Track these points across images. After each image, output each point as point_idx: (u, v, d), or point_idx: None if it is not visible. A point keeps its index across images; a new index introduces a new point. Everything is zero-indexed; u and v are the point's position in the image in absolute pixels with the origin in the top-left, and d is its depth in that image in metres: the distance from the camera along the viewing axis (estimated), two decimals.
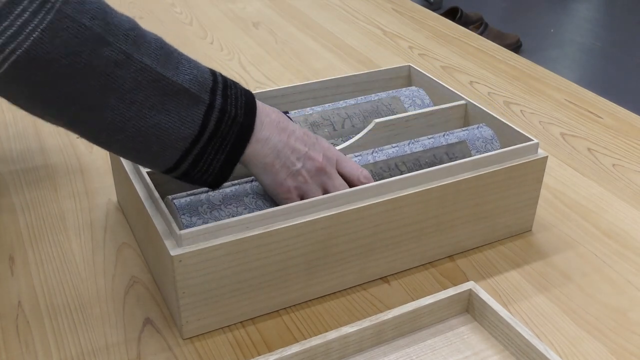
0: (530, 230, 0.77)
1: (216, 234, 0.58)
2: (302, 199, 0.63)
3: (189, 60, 0.57)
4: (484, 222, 0.73)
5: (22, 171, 0.87)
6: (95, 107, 0.52)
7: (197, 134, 0.56)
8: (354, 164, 0.67)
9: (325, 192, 0.64)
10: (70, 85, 0.50)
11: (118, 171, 0.75)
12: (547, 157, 0.73)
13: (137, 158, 0.57)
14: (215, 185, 0.60)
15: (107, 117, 0.52)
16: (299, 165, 0.62)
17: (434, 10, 1.79)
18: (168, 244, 0.58)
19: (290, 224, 0.61)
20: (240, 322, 0.64)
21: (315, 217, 0.61)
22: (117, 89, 0.52)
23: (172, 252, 0.57)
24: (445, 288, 0.68)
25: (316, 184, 0.63)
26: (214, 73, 0.58)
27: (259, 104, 0.61)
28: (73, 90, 0.50)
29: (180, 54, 0.57)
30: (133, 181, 0.67)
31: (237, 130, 0.58)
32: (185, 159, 0.57)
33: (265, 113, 0.61)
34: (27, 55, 0.47)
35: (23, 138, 0.94)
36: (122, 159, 0.71)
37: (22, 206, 0.80)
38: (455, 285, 0.65)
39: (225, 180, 0.60)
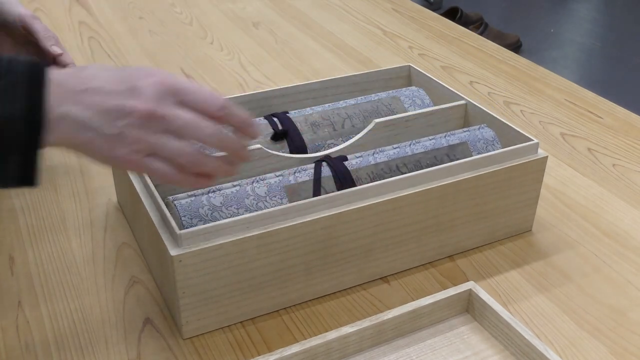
0: (530, 230, 0.77)
1: (216, 234, 0.58)
2: (156, 157, 0.51)
3: None
4: (484, 222, 0.73)
5: None
6: None
7: None
8: (203, 93, 0.52)
9: (179, 136, 0.51)
10: None
11: (118, 171, 0.75)
12: (547, 157, 0.73)
13: None
14: (28, 184, 0.49)
15: None
16: (119, 125, 0.49)
17: (434, 10, 1.79)
18: (168, 244, 0.58)
19: (290, 224, 0.61)
20: (240, 322, 0.64)
21: (315, 217, 0.61)
22: None
23: (172, 252, 0.57)
24: (445, 288, 0.68)
25: (154, 135, 0.50)
26: None
27: (49, 74, 0.48)
28: None
29: None
30: (133, 181, 0.67)
31: (23, 129, 0.46)
32: None
33: (56, 83, 0.48)
34: None
35: None
36: None
37: (22, 206, 0.80)
38: (455, 285, 0.65)
39: (36, 177, 0.49)
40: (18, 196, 0.82)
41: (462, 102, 0.82)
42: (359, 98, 0.83)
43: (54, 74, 0.48)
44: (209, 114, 0.52)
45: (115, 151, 0.49)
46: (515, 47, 2.83)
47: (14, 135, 0.46)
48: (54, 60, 0.79)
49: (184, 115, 0.51)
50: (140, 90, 0.50)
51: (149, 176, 0.59)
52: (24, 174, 0.48)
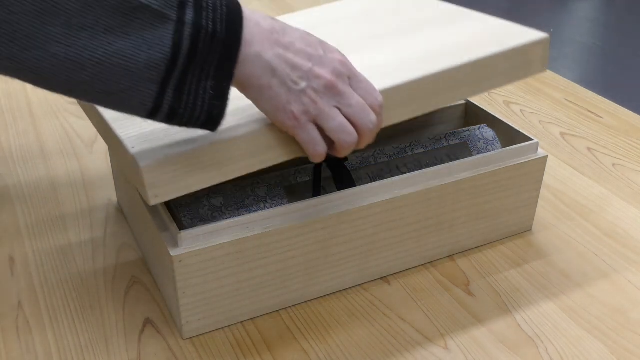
0: (531, 230, 0.77)
1: (216, 235, 0.58)
2: (316, 125, 0.54)
3: None
4: (484, 222, 0.73)
5: (22, 172, 0.87)
6: (36, 39, 0.43)
7: (170, 57, 0.47)
8: (369, 85, 0.56)
9: (343, 115, 0.54)
10: None
11: (118, 171, 0.75)
12: (547, 156, 0.73)
13: (112, 102, 0.48)
14: (212, 124, 0.51)
15: (56, 52, 0.44)
16: (303, 84, 0.52)
17: None
18: (168, 244, 0.58)
19: (290, 224, 0.61)
20: (241, 322, 0.64)
21: (315, 217, 0.61)
22: (59, 13, 0.43)
23: (172, 252, 0.57)
24: (445, 288, 0.68)
25: (329, 104, 0.53)
26: None
27: (246, 12, 0.50)
28: (3, 21, 0.42)
29: None
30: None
31: (219, 48, 0.48)
32: (164, 92, 0.48)
33: (254, 22, 0.50)
34: None
35: (23, 139, 0.94)
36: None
37: (22, 207, 0.80)
38: (455, 285, 0.65)
39: (221, 116, 0.51)
40: (18, 197, 0.82)
41: (462, 101, 0.82)
42: None
43: (248, 12, 0.51)
44: (369, 105, 0.55)
45: (290, 105, 0.52)
46: None
47: (212, 52, 0.48)
48: None
49: (356, 97, 0.54)
50: (326, 61, 0.53)
51: (300, 143, 0.55)
52: (213, 106, 0.49)
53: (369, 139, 0.56)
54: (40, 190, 0.83)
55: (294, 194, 0.68)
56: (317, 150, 0.55)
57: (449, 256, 0.73)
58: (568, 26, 3.24)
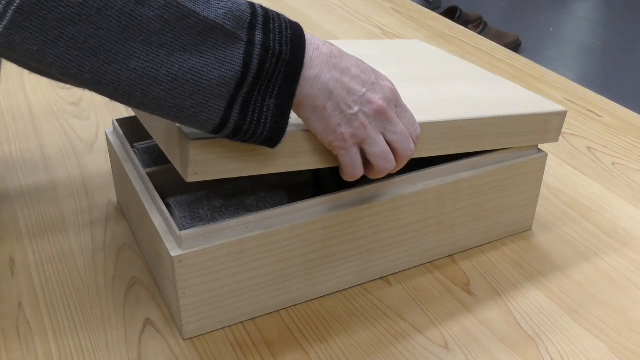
0: (531, 229, 0.77)
1: (216, 235, 0.58)
2: (360, 149, 0.57)
3: None
4: (484, 222, 0.73)
5: (22, 172, 0.87)
6: (118, 54, 0.46)
7: (240, 76, 0.49)
8: (411, 116, 0.59)
9: (386, 140, 0.57)
10: (86, 30, 0.44)
11: (118, 171, 0.75)
12: (546, 156, 0.73)
13: (181, 116, 0.50)
14: (273, 140, 0.53)
15: (135, 67, 0.46)
16: (355, 108, 0.54)
17: (433, 9, 1.79)
18: (168, 244, 0.58)
19: (290, 224, 0.61)
20: (241, 322, 0.64)
21: (315, 217, 0.61)
22: (141, 31, 0.46)
23: (173, 253, 0.57)
24: (445, 288, 0.68)
25: (376, 130, 0.56)
26: (252, 5, 0.51)
27: (307, 36, 0.53)
28: (89, 37, 0.44)
29: None
30: (133, 181, 0.67)
31: (283, 69, 0.51)
32: (232, 108, 0.50)
33: (315, 46, 0.54)
34: None
35: (23, 139, 0.94)
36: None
37: (22, 207, 0.80)
38: (456, 284, 0.65)
39: (282, 133, 0.53)
40: (18, 197, 0.82)
41: None
42: None
43: (309, 36, 0.54)
44: (409, 133, 0.58)
45: (340, 127, 0.54)
46: (515, 46, 2.83)
47: (277, 72, 0.51)
48: None
49: (401, 125, 0.57)
50: (379, 88, 0.56)
51: (341, 163, 0.57)
52: (276, 124, 0.52)
53: (402, 165, 0.59)
54: (40, 190, 0.83)
55: (294, 194, 0.68)
56: (355, 173, 0.58)
57: (449, 256, 0.73)
58: (567, 25, 3.24)
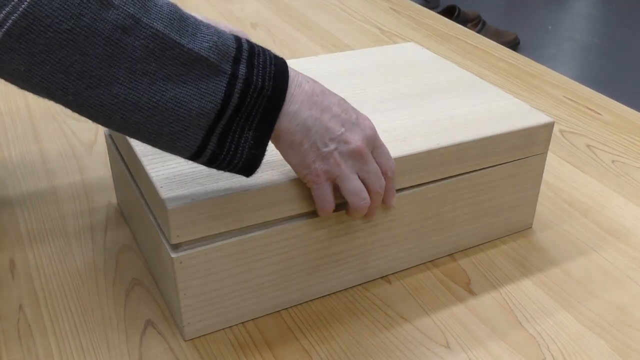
0: (531, 227, 0.77)
1: (216, 235, 0.58)
2: (333, 184, 0.58)
3: (208, 27, 0.51)
4: (484, 220, 0.73)
5: (22, 174, 0.87)
6: (101, 80, 0.47)
7: (220, 108, 0.51)
8: (386, 153, 0.61)
9: (360, 179, 0.59)
10: (73, 55, 0.45)
11: (118, 173, 0.75)
12: (546, 154, 0.73)
13: (159, 142, 0.52)
14: (248, 170, 0.55)
15: (117, 92, 0.48)
16: (331, 146, 0.56)
17: (431, 8, 1.79)
18: (168, 245, 0.58)
19: (290, 224, 0.61)
20: (242, 322, 0.64)
21: (315, 217, 0.61)
22: (126, 59, 0.47)
23: (173, 254, 0.57)
24: (446, 287, 0.68)
25: (350, 168, 0.58)
26: (239, 40, 0.52)
27: (291, 72, 0.55)
28: (76, 61, 0.46)
29: (199, 21, 0.51)
30: (133, 183, 0.67)
31: (264, 103, 0.52)
32: (209, 138, 0.51)
33: (297, 83, 0.55)
34: (23, 20, 0.43)
35: (22, 141, 0.94)
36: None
37: (22, 209, 0.80)
38: (456, 284, 0.65)
39: (258, 164, 0.54)
40: (18, 199, 0.82)
41: None
42: None
43: (293, 72, 0.55)
44: (382, 171, 0.60)
45: (315, 163, 0.56)
46: (513, 44, 2.83)
47: (257, 106, 0.52)
48: None
49: (374, 164, 0.59)
50: (358, 128, 0.57)
51: (314, 197, 0.59)
52: (252, 155, 0.53)
53: (378, 202, 0.61)
54: (40, 193, 0.83)
55: None
56: (326, 207, 0.59)
57: (449, 255, 0.73)
58: (565, 23, 3.24)
